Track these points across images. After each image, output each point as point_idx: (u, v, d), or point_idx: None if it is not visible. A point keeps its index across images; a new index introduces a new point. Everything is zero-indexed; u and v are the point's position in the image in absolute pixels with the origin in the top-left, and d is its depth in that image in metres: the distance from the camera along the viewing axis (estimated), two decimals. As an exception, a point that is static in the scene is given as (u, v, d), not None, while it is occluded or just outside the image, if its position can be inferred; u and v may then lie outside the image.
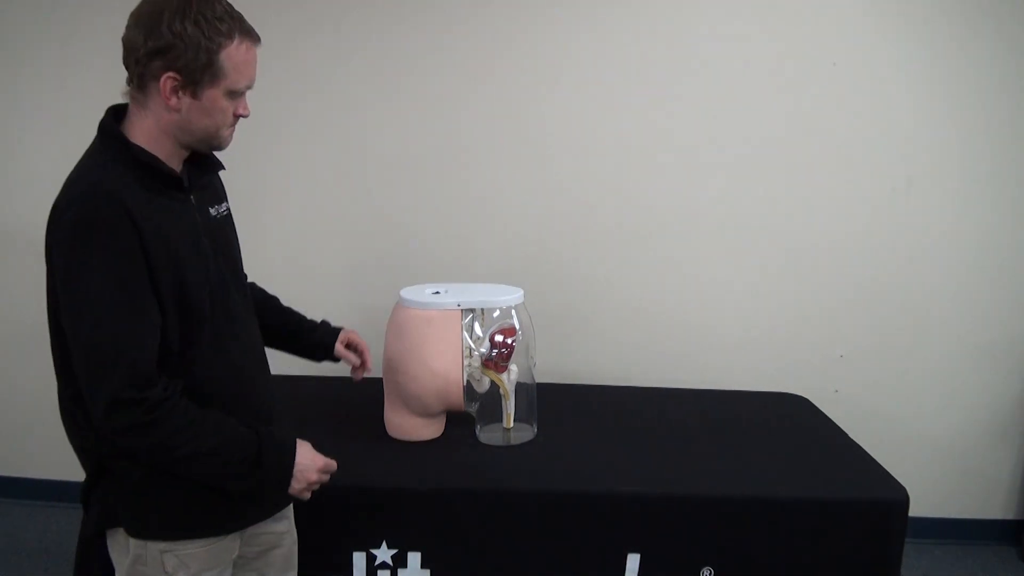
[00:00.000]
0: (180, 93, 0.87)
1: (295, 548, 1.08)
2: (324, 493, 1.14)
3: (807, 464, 1.34)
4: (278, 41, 1.75)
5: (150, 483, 0.89)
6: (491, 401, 1.36)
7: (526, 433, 1.39)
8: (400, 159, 1.67)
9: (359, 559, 1.19)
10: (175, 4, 0.85)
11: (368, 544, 1.19)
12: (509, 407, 1.36)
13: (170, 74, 0.85)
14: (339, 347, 1.21)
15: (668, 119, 1.80)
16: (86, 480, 0.93)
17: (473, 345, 1.32)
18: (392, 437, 1.36)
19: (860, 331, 1.89)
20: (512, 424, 1.37)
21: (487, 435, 1.37)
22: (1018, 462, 1.96)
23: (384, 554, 1.19)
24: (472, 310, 1.32)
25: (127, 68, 0.87)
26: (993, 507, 1.99)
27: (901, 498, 1.23)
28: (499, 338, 1.31)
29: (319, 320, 1.22)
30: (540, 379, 1.43)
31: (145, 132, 0.88)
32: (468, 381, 1.32)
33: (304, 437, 1.25)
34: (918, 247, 1.85)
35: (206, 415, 0.87)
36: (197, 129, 0.89)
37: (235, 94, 0.90)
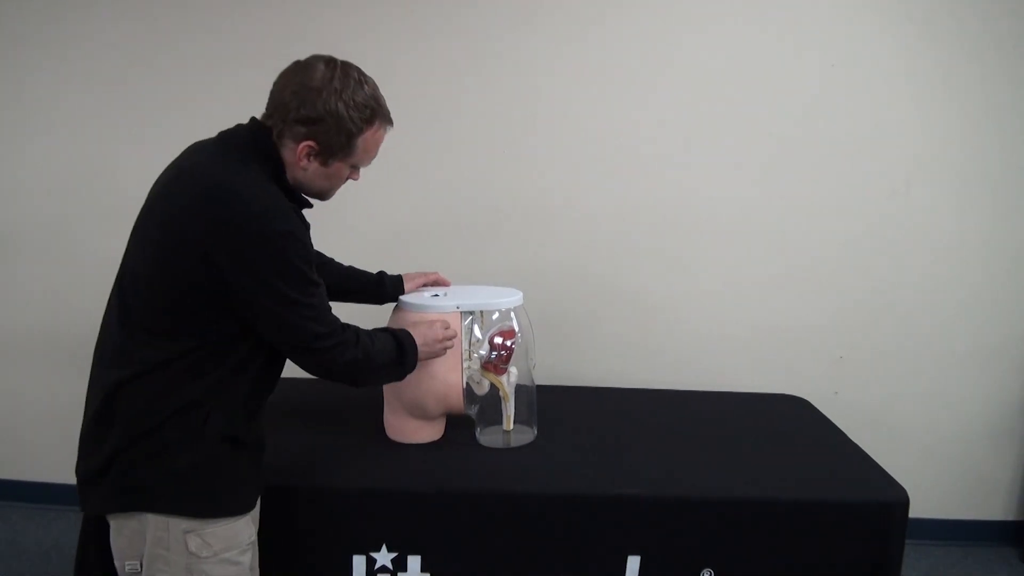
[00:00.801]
0: (311, 158, 0.99)
1: None
2: (323, 496, 1.18)
3: (807, 466, 1.34)
4: (277, 40, 1.76)
5: (186, 463, 0.94)
6: (491, 403, 1.36)
7: (526, 435, 1.39)
8: (399, 161, 1.67)
9: (359, 563, 1.19)
10: (333, 84, 0.96)
11: (368, 547, 1.19)
12: (509, 409, 1.36)
13: (310, 143, 0.98)
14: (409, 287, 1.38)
15: (666, 121, 1.80)
16: (99, 460, 0.94)
17: (473, 347, 1.32)
18: (392, 440, 1.36)
19: (860, 333, 1.89)
20: (512, 426, 1.37)
21: (487, 437, 1.37)
22: (1018, 463, 1.96)
23: (384, 557, 1.19)
24: (471, 312, 1.32)
25: (271, 114, 0.99)
26: (993, 508, 1.99)
27: (901, 499, 1.23)
28: (498, 340, 1.31)
29: (375, 273, 1.36)
30: (540, 381, 1.44)
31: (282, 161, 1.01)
32: (468, 383, 1.32)
33: (303, 440, 1.26)
34: (917, 249, 1.85)
35: (369, 339, 1.06)
36: (313, 187, 1.04)
37: (357, 167, 1.05)
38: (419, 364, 1.24)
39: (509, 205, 1.84)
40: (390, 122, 1.04)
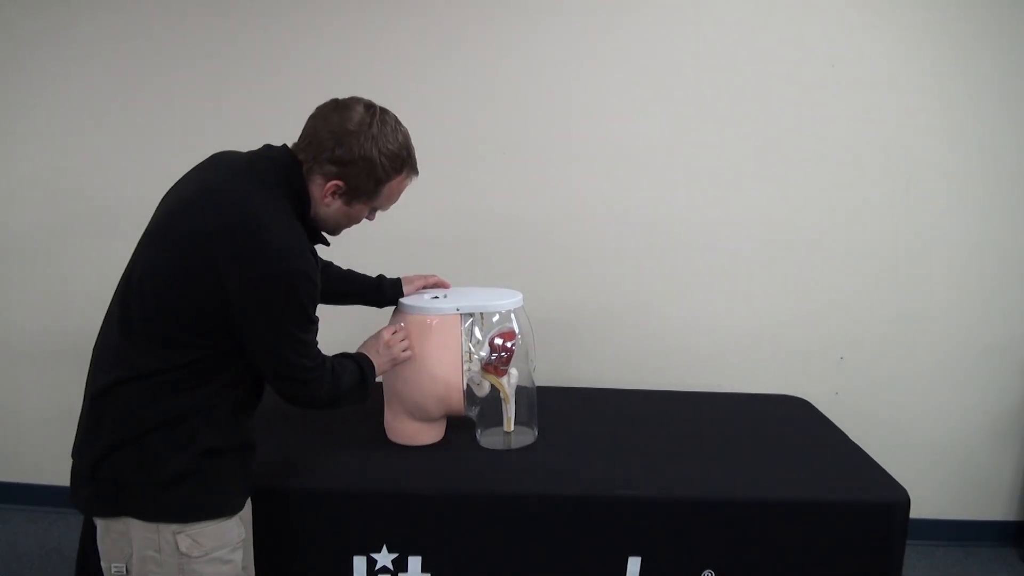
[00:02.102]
0: (336, 196, 1.02)
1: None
2: (324, 497, 1.19)
3: (808, 466, 1.34)
4: (273, 37, 1.76)
5: (172, 472, 0.95)
6: (491, 405, 1.36)
7: (526, 437, 1.39)
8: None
9: (359, 563, 1.19)
10: (371, 130, 0.99)
11: (369, 548, 1.19)
12: (509, 411, 1.36)
13: (339, 183, 1.01)
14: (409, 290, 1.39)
15: (667, 122, 1.80)
16: (89, 461, 0.96)
17: (473, 349, 1.32)
18: (392, 442, 1.37)
19: (860, 333, 1.89)
20: (512, 428, 1.37)
21: (487, 439, 1.37)
22: (1019, 463, 1.96)
23: (384, 558, 1.19)
24: (471, 314, 1.32)
25: (304, 148, 1.01)
26: (994, 508, 1.98)
27: (902, 500, 1.23)
28: (499, 342, 1.31)
29: (375, 277, 1.38)
30: (540, 383, 1.44)
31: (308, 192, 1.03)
32: (468, 385, 1.32)
33: (304, 442, 1.27)
34: (918, 249, 1.85)
35: (340, 368, 1.10)
36: (330, 223, 1.06)
37: (376, 210, 1.08)
38: (417, 369, 1.28)
39: (509, 206, 1.84)
40: (416, 172, 1.08)
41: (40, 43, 1.79)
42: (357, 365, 1.16)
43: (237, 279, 0.92)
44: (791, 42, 1.77)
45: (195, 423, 0.96)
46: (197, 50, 1.79)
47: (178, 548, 0.95)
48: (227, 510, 1.00)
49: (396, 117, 1.05)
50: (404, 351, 1.26)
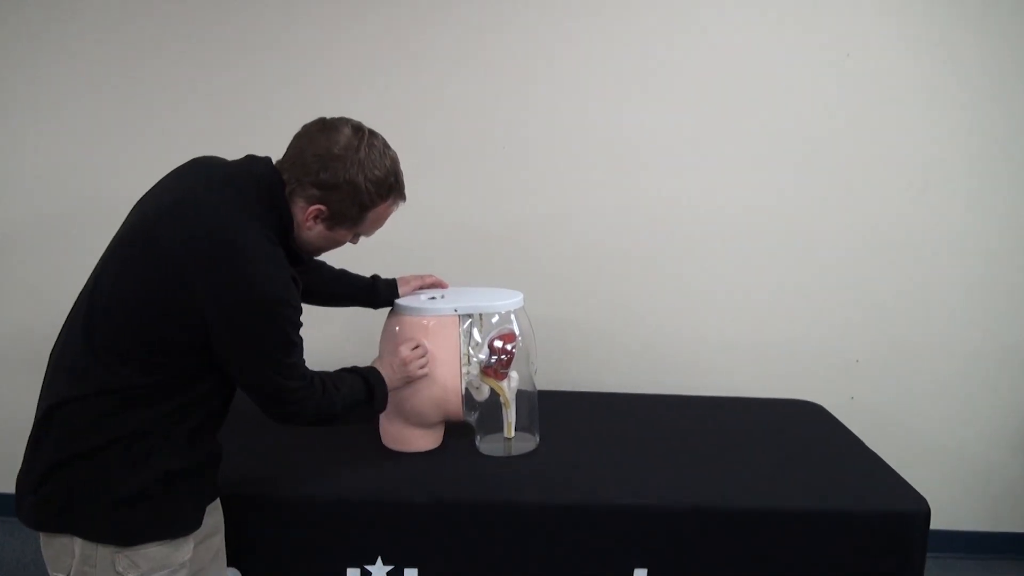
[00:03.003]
0: (318, 221, 1.03)
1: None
2: (317, 506, 1.18)
3: (822, 474, 1.33)
4: (272, 35, 1.76)
5: (123, 493, 0.94)
6: (491, 410, 1.36)
7: (528, 443, 1.39)
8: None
9: (354, 575, 1.19)
10: (357, 154, 1.00)
11: (363, 560, 1.19)
12: (510, 416, 1.36)
13: (321, 207, 1.01)
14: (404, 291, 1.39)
15: (674, 118, 1.80)
16: (36, 472, 0.96)
17: (472, 352, 1.32)
18: (388, 448, 1.36)
19: (877, 335, 1.88)
20: (513, 434, 1.37)
21: (487, 445, 1.37)
22: (1043, 472, 1.96)
23: (379, 570, 1.19)
24: (470, 315, 1.32)
25: (287, 168, 1.01)
26: (1017, 519, 1.98)
27: (921, 510, 1.22)
28: (498, 344, 1.31)
29: (370, 277, 1.38)
30: (542, 386, 1.43)
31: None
32: (467, 389, 1.32)
33: (295, 448, 1.27)
34: (936, 248, 1.84)
35: (335, 385, 1.09)
36: (311, 246, 1.07)
37: (359, 236, 1.09)
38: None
39: (509, 203, 1.84)
40: (403, 198, 1.09)
41: (37, 39, 1.78)
42: (364, 381, 1.16)
43: (214, 305, 0.92)
44: (804, 32, 1.76)
45: (153, 442, 0.95)
46: (176, 35, 1.78)
47: (115, 568, 0.94)
48: (178, 532, 0.99)
49: (385, 140, 1.05)
50: (422, 368, 1.26)
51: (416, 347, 1.26)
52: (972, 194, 1.82)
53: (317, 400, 1.06)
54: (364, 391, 1.15)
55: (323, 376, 1.09)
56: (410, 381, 1.26)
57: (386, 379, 1.20)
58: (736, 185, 1.83)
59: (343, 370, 1.18)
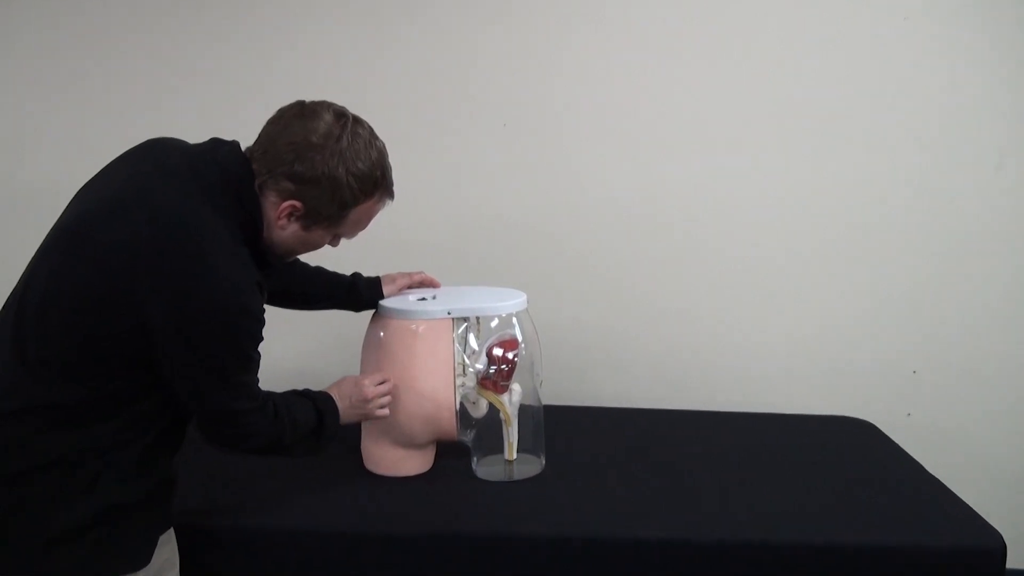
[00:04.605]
0: (292, 219, 1.01)
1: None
2: (290, 539, 1.18)
3: (875, 504, 1.31)
4: (270, 31, 1.76)
5: (61, 527, 0.92)
6: (489, 428, 1.35)
7: (532, 466, 1.38)
8: (394, 154, 1.66)
9: (332, 617, 1.18)
10: (339, 144, 0.98)
11: (340, 601, 1.18)
12: (511, 435, 1.35)
13: (296, 203, 0.99)
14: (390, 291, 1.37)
15: (701, 98, 1.77)
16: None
17: (468, 361, 1.31)
18: (370, 472, 1.35)
19: (938, 342, 1.83)
20: (515, 455, 1.37)
21: (485, 469, 1.36)
22: None
23: (361, 611, 1.18)
24: (466, 319, 1.32)
25: (258, 158, 0.99)
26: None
27: (995, 546, 1.19)
28: (498, 352, 1.30)
29: (349, 275, 1.37)
30: (548, 401, 1.42)
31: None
32: (462, 404, 1.31)
33: (266, 472, 1.33)
34: (1009, 241, 1.80)
35: (287, 411, 1.07)
36: (284, 247, 1.05)
37: (339, 237, 1.08)
38: (401, 385, 1.26)
39: (511, 192, 1.82)
40: (391, 195, 1.08)
41: (35, 36, 1.77)
42: (316, 410, 1.13)
43: (163, 309, 0.90)
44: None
45: (96, 467, 0.93)
46: (178, 37, 1.77)
47: None
48: (123, 569, 0.96)
49: (372, 130, 1.03)
50: (381, 409, 1.23)
51: (382, 383, 1.24)
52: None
53: (268, 426, 1.04)
54: (314, 422, 1.12)
55: (275, 399, 1.07)
56: (366, 418, 1.24)
57: (340, 412, 1.17)
58: (773, 171, 1.79)
59: (292, 393, 1.15)
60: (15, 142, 1.82)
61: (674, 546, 1.18)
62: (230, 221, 0.95)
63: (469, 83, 1.77)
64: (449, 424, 1.29)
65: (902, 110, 1.76)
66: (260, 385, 1.05)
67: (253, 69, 1.77)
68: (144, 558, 0.99)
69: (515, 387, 1.33)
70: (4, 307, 0.98)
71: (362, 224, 1.08)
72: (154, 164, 0.97)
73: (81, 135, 1.80)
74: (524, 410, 1.36)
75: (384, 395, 1.23)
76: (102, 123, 1.79)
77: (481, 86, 1.77)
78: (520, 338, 1.32)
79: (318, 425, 1.12)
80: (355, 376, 1.24)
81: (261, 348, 1.00)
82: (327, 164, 0.97)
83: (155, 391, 0.96)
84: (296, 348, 1.56)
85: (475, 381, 1.31)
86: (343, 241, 1.13)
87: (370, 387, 1.21)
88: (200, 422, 1.01)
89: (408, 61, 1.76)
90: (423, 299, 1.34)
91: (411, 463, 1.34)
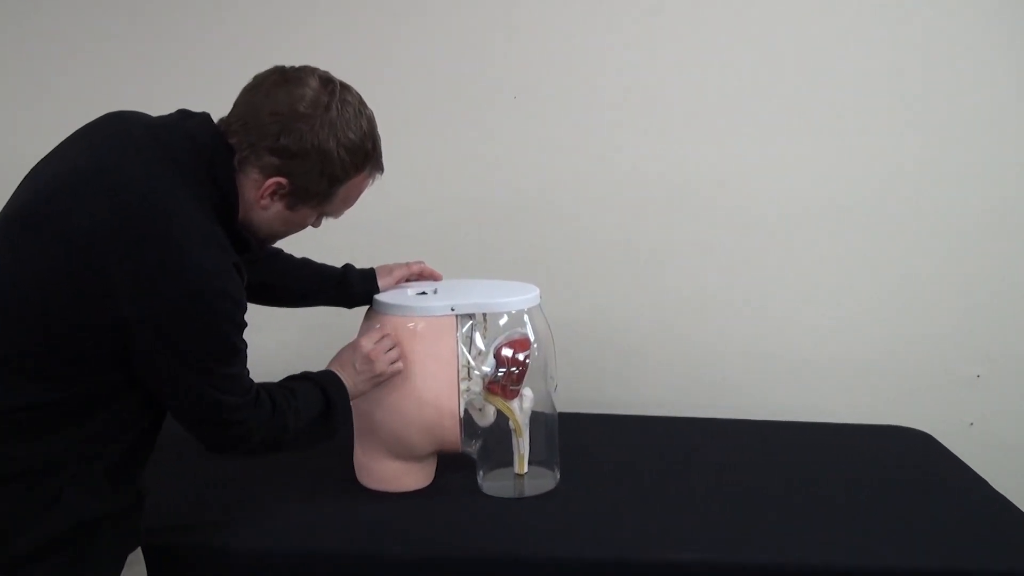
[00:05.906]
0: (276, 198, 1.01)
1: None
2: (279, 560, 1.18)
3: (933, 524, 1.29)
4: (267, 27, 1.76)
5: (22, 548, 0.92)
6: (498, 438, 1.34)
7: (545, 480, 1.36)
8: (396, 142, 1.67)
9: (322, 648, 1.18)
10: (328, 114, 0.97)
11: (331, 630, 1.18)
12: (522, 446, 1.34)
13: (281, 180, 0.99)
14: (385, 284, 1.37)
15: (737, 69, 1.75)
16: None
17: (473, 363, 1.30)
18: (365, 487, 1.35)
19: (1005, 344, 1.82)
20: (526, 469, 1.36)
21: (492, 484, 1.35)
22: None
23: (353, 644, 1.18)
24: (471, 316, 1.31)
25: (236, 130, 0.98)
26: None
27: (1073, 572, 1.15)
28: (508, 353, 1.29)
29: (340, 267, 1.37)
30: (562, 408, 1.40)
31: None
32: (466, 411, 1.30)
33: (251, 485, 1.35)
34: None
35: (288, 400, 1.08)
36: (266, 229, 1.05)
37: (325, 216, 1.08)
38: (398, 390, 1.25)
39: (522, 173, 1.80)
40: (381, 169, 1.08)
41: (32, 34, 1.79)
42: (320, 389, 1.13)
43: (132, 300, 0.89)
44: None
45: (61, 480, 0.92)
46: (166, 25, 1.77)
47: None
48: None
49: (360, 96, 1.03)
50: (393, 363, 1.22)
51: (380, 339, 1.22)
52: None
53: (265, 420, 1.03)
54: (321, 404, 1.12)
55: (270, 388, 1.06)
56: (380, 382, 1.22)
57: (348, 387, 1.17)
58: (814, 150, 1.77)
59: (291, 378, 1.14)
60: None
61: (708, 570, 1.16)
62: (202, 199, 0.94)
63: (479, 49, 1.77)
64: (452, 434, 1.28)
65: (968, 89, 1.73)
66: None
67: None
68: None
69: (526, 392, 1.32)
70: None
71: (350, 201, 1.08)
72: (116, 138, 0.96)
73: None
74: (536, 418, 1.35)
75: (389, 349, 1.22)
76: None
77: (492, 54, 1.77)
78: (532, 337, 1.32)
79: (326, 407, 1.12)
80: (350, 342, 1.24)
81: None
82: (317, 136, 0.97)
83: (128, 392, 0.94)
84: (278, 350, 1.57)
85: (481, 385, 1.30)
86: (331, 228, 1.12)
87: (370, 345, 1.20)
88: (190, 426, 1.00)
89: (414, 31, 1.76)
90: (423, 293, 1.34)
91: (410, 477, 1.33)
